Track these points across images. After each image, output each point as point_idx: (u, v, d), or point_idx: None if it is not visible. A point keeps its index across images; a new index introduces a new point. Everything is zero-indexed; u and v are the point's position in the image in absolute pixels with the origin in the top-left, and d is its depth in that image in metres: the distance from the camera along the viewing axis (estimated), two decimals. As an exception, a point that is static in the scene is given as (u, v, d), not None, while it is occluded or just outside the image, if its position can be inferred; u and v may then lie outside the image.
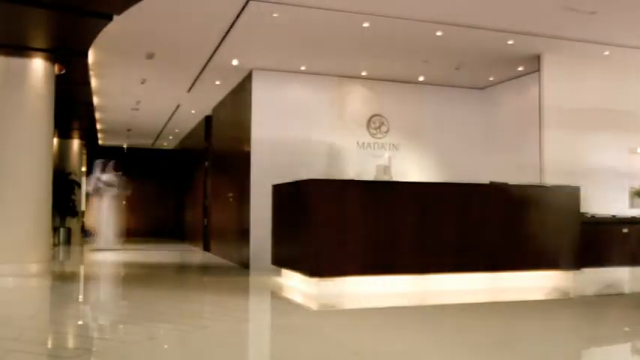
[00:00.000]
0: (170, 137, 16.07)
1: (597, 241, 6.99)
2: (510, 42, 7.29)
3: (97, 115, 12.24)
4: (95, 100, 10.69)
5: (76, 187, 14.59)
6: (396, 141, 9.22)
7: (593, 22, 6.67)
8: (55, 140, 13.36)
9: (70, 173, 14.39)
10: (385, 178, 7.20)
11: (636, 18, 6.61)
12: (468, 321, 4.65)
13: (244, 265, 8.55)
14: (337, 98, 8.96)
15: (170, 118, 12.98)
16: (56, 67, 7.66)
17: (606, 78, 8.06)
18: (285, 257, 6.60)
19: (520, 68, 8.44)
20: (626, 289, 6.85)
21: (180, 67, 8.56)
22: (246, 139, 8.73)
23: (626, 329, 4.54)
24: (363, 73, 8.84)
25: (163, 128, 14.45)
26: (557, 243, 6.52)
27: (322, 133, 8.77)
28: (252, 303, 5.89)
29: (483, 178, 7.03)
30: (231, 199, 9.72)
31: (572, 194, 6.72)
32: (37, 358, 3.42)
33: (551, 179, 7.41)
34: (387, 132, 9.20)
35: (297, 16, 6.44)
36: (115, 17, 6.11)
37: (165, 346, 3.75)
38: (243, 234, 8.75)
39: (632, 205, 8.07)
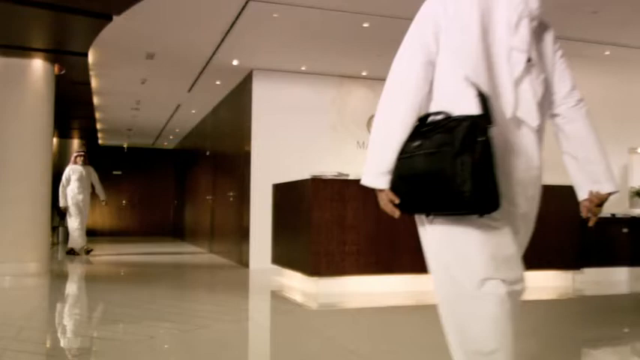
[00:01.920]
0: (170, 137, 16.08)
1: (597, 241, 6.98)
2: (510, 42, 7.29)
3: (97, 115, 12.24)
4: (95, 100, 10.69)
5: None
6: (396, 141, 9.20)
7: (593, 21, 6.66)
8: (55, 140, 13.37)
9: (70, 173, 14.40)
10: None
11: (637, 18, 6.61)
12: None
13: (244, 264, 8.55)
14: (337, 98, 8.96)
15: (170, 118, 12.99)
16: (56, 67, 7.66)
17: (606, 78, 8.06)
18: (285, 256, 6.60)
19: (520, 68, 8.43)
20: (626, 289, 6.85)
21: (180, 67, 8.56)
22: (246, 139, 8.73)
23: (626, 330, 4.54)
24: (364, 73, 8.84)
25: (163, 128, 14.46)
26: (557, 243, 6.52)
27: (322, 132, 8.76)
28: (252, 302, 5.89)
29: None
30: (231, 199, 9.72)
31: (572, 194, 6.70)
32: (35, 358, 3.42)
33: (550, 179, 7.40)
34: (387, 132, 9.19)
35: (297, 16, 6.44)
36: (115, 17, 6.11)
37: (166, 346, 3.75)
38: (243, 233, 8.75)
39: (632, 205, 8.07)
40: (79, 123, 13.37)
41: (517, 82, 1.93)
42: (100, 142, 16.58)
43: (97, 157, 17.53)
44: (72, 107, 10.88)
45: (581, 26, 6.84)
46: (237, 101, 9.55)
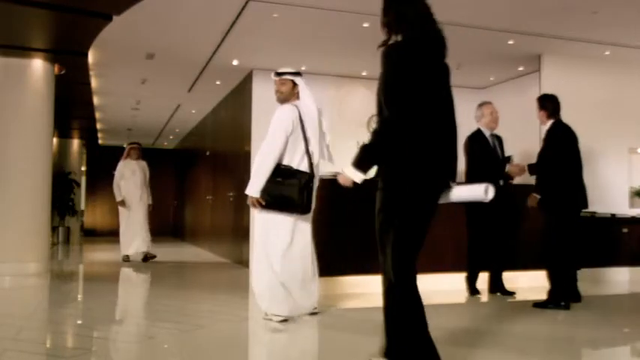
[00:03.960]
0: (170, 137, 16.07)
1: (597, 241, 6.98)
2: (510, 42, 7.29)
3: (97, 115, 12.24)
4: (95, 100, 10.69)
5: (76, 187, 14.63)
6: (396, 141, 9.19)
7: (593, 21, 6.66)
8: (55, 140, 13.38)
9: (69, 173, 14.44)
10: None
11: (637, 18, 6.60)
12: (468, 320, 4.65)
13: (244, 265, 8.55)
14: (337, 98, 8.95)
15: (170, 118, 12.99)
16: (56, 68, 7.66)
17: (607, 78, 8.05)
18: (285, 257, 6.59)
19: (520, 68, 8.43)
20: (626, 289, 6.85)
21: (180, 67, 8.56)
22: (246, 139, 8.73)
23: (626, 330, 4.54)
24: (363, 73, 8.84)
25: (164, 128, 14.46)
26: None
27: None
28: (252, 302, 5.88)
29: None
30: (231, 199, 9.72)
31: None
32: (35, 358, 3.42)
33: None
34: (387, 132, 9.19)
35: (297, 16, 6.44)
36: (115, 17, 6.11)
37: (166, 346, 3.75)
38: (243, 233, 8.75)
39: (632, 205, 8.06)
40: (79, 123, 13.37)
41: (314, 149, 4.52)
42: (100, 142, 16.58)
43: (96, 157, 17.60)
44: (72, 107, 10.88)
45: (581, 26, 6.85)
46: (237, 101, 9.54)
